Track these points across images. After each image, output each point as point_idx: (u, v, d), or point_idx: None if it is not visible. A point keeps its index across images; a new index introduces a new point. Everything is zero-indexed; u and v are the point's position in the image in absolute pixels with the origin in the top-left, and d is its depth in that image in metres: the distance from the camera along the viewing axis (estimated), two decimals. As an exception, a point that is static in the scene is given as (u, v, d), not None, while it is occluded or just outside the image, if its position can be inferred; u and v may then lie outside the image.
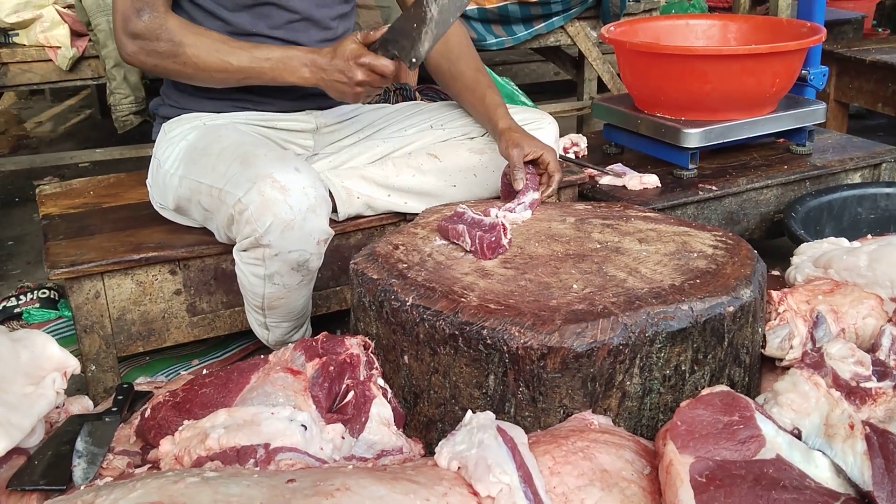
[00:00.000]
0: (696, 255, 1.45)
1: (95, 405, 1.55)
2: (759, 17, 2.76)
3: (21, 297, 2.21)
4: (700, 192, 2.11)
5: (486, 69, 2.28)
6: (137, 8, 1.61)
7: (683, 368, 1.29)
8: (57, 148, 3.97)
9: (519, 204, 1.67)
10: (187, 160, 1.66)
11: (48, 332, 2.07)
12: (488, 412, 1.13)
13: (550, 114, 3.18)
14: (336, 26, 1.85)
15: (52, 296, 2.22)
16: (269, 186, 1.48)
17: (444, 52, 1.92)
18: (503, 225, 1.49)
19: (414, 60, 1.58)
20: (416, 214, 1.80)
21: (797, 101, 2.31)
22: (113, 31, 1.67)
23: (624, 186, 2.16)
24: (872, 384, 1.12)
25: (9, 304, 2.18)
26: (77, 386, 1.83)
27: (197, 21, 1.72)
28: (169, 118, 1.81)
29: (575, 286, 1.36)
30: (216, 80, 1.68)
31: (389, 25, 1.59)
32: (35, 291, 2.22)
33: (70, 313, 1.85)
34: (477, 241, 1.47)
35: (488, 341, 1.25)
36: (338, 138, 1.92)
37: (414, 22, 1.55)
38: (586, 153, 2.44)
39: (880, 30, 5.06)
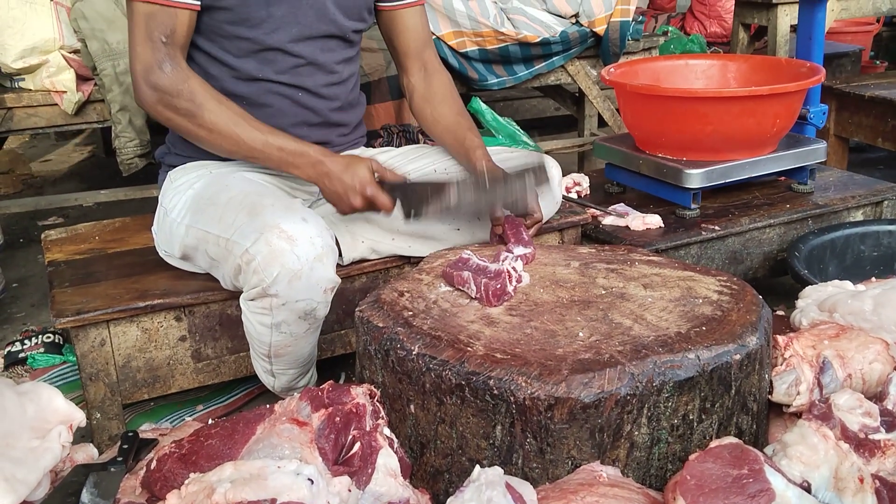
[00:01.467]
0: (701, 300, 1.45)
1: (100, 453, 1.54)
2: (759, 56, 2.79)
3: (26, 341, 2.21)
4: (703, 233, 2.11)
5: (486, 107, 2.30)
6: (159, 60, 1.62)
7: (691, 417, 1.29)
8: (61, 187, 3.99)
9: (503, 260, 1.55)
10: (194, 209, 1.67)
11: (53, 378, 2.10)
12: (496, 468, 1.13)
13: (551, 150, 3.24)
14: (341, 70, 1.88)
15: (56, 340, 2.22)
16: (276, 237, 1.49)
17: (427, 96, 1.95)
18: (508, 272, 1.50)
19: (412, 217, 1.70)
20: (421, 258, 1.81)
21: (798, 139, 2.33)
22: (131, 76, 1.67)
23: (627, 227, 2.16)
24: (881, 436, 1.11)
25: (13, 349, 2.18)
26: (81, 433, 1.82)
27: (203, 67, 1.74)
28: (175, 166, 1.83)
29: (581, 334, 1.36)
30: (223, 149, 1.69)
31: (409, 180, 1.70)
32: (39, 336, 2.22)
33: (75, 358, 1.85)
34: (482, 289, 1.47)
35: (495, 392, 1.25)
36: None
37: (432, 195, 1.66)
38: (588, 192, 2.45)
39: (878, 62, 5.10)
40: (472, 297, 1.49)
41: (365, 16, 1.89)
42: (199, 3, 1.66)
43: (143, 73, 1.63)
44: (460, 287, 1.52)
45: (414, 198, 1.67)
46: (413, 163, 1.98)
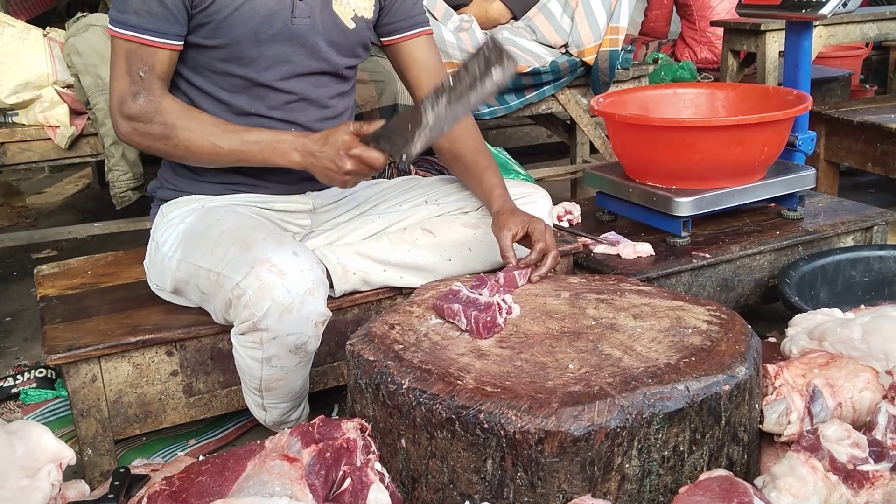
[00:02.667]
0: (690, 331, 1.46)
1: (92, 489, 1.54)
2: (747, 84, 2.81)
3: (18, 376, 2.20)
4: (694, 260, 2.12)
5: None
6: (134, 91, 1.65)
7: (682, 449, 1.29)
8: (56, 218, 4.00)
9: (492, 291, 1.60)
10: (185, 244, 1.68)
11: (45, 413, 2.09)
12: None
13: (544, 178, 3.26)
14: (335, 104, 1.88)
15: (49, 375, 2.21)
16: (266, 271, 1.49)
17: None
18: (498, 304, 1.50)
19: (404, 158, 1.63)
20: (413, 289, 1.81)
21: (787, 167, 2.34)
22: (109, 112, 1.71)
23: (618, 255, 2.17)
24: (869, 467, 1.11)
25: (5, 385, 2.17)
26: (74, 469, 1.81)
27: (196, 102, 1.76)
28: (167, 200, 1.83)
29: (571, 366, 1.36)
30: (207, 161, 1.71)
31: (385, 122, 1.64)
32: (32, 371, 2.21)
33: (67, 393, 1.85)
34: (472, 321, 1.47)
35: (485, 425, 1.25)
36: (334, 216, 1.94)
37: (409, 123, 1.59)
38: (580, 220, 2.46)
39: (867, 86, 5.14)
40: (462, 330, 1.50)
41: (359, 52, 1.90)
42: (179, 43, 1.68)
43: (118, 106, 1.67)
44: (451, 320, 1.52)
45: (397, 138, 1.61)
46: (404, 194, 1.99)
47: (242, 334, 1.55)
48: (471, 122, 1.98)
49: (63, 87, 2.53)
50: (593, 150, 3.53)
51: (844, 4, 2.26)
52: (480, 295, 1.53)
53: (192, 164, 1.74)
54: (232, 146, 1.67)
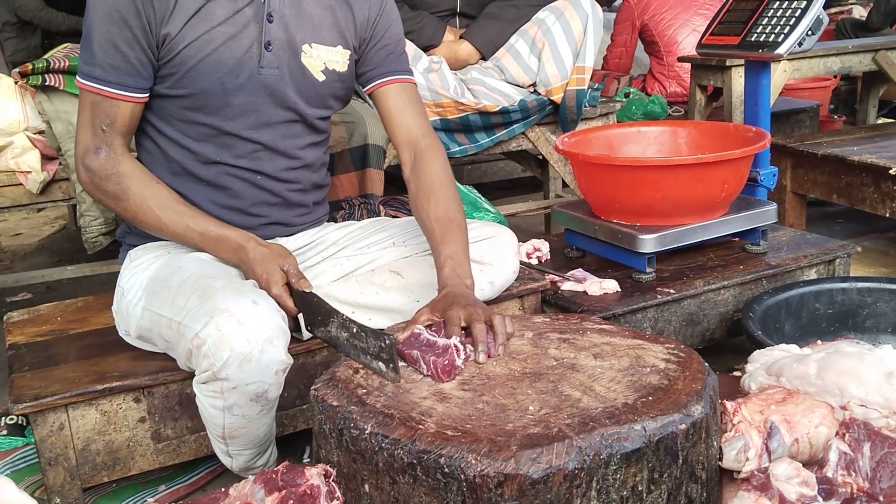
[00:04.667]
0: (648, 369, 1.48)
1: (59, 540, 1.54)
2: (708, 122, 2.88)
3: (-12, 423, 2.19)
4: (659, 296, 2.15)
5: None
6: (96, 145, 1.70)
7: (640, 489, 1.30)
8: (31, 260, 4.00)
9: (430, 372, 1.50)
10: (149, 291, 1.69)
11: (16, 461, 2.09)
12: (443, 549, 1.14)
13: (516, 213, 3.30)
14: (305, 155, 1.90)
15: (20, 421, 2.20)
16: (225, 320, 1.51)
17: (417, 192, 1.88)
18: (456, 346, 1.51)
19: (308, 330, 1.73)
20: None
21: (749, 202, 2.39)
22: (74, 157, 1.76)
23: (585, 292, 2.20)
24: (818, 506, 1.13)
25: (-25, 433, 2.16)
26: (42, 518, 1.81)
27: (163, 149, 1.79)
28: (135, 246, 1.85)
29: (531, 407, 1.38)
30: (152, 231, 1.77)
31: (313, 295, 1.67)
32: (2, 418, 2.20)
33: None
34: (432, 367, 1.49)
35: (446, 470, 1.26)
36: (303, 260, 1.96)
37: (323, 315, 1.64)
38: (549, 257, 2.49)
39: (836, 116, 5.24)
40: (424, 374, 1.51)
41: (331, 103, 1.91)
42: (142, 96, 1.72)
43: (81, 156, 1.72)
44: (412, 365, 1.54)
45: (311, 312, 1.68)
46: (372, 236, 2.01)
47: (204, 383, 1.56)
48: (443, 182, 1.87)
49: (34, 133, 2.55)
50: (566, 184, 3.58)
51: (800, 44, 2.32)
52: (439, 338, 1.54)
53: (138, 227, 1.80)
54: (176, 229, 1.73)
